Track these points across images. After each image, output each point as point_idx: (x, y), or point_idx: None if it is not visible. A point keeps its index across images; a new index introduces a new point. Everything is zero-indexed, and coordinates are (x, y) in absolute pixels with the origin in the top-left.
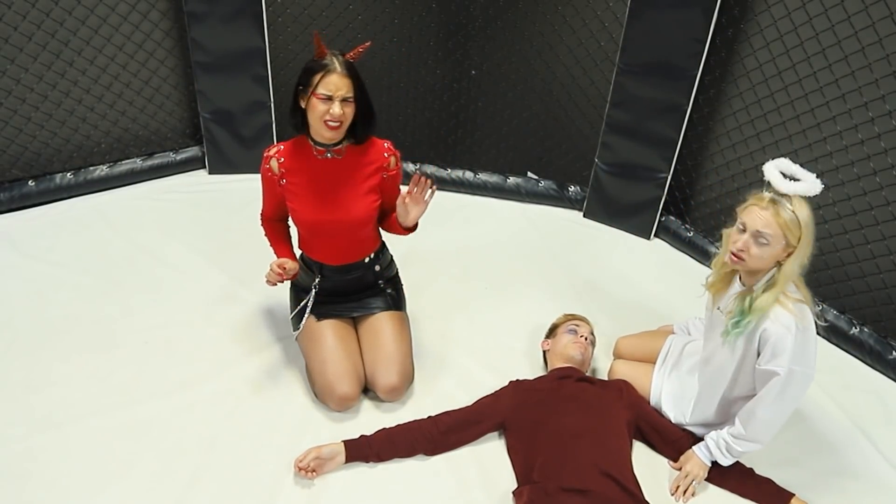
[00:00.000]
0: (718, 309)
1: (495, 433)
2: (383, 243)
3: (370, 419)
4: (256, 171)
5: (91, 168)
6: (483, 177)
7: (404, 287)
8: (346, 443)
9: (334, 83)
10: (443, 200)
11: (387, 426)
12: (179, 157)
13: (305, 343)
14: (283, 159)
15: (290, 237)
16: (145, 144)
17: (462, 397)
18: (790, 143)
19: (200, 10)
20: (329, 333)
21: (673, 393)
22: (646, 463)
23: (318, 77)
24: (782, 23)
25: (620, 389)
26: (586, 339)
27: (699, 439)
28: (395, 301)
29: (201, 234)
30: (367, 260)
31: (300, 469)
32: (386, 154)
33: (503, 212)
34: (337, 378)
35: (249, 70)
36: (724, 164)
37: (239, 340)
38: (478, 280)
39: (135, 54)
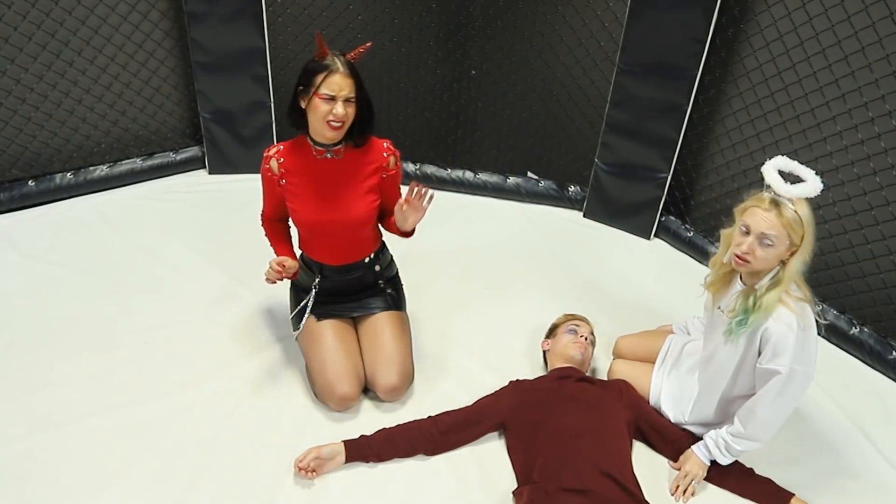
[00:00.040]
0: (719, 308)
1: (495, 433)
2: (383, 243)
3: (370, 419)
4: (256, 171)
5: (91, 168)
6: (483, 177)
7: (404, 287)
8: (346, 443)
9: (337, 83)
10: (443, 200)
11: (387, 426)
12: (179, 157)
13: (305, 343)
14: (282, 159)
15: (290, 237)
16: (145, 144)
17: (462, 397)
18: (790, 143)
19: (200, 10)
20: (329, 333)
21: (672, 392)
22: (646, 463)
23: (321, 77)
24: (782, 23)
25: (620, 389)
26: (586, 339)
27: (699, 439)
28: (395, 301)
29: (201, 234)
30: (367, 260)
31: (300, 469)
32: (385, 154)
33: (503, 212)
34: (337, 378)
35: (249, 70)
36: (724, 164)
37: (239, 340)
38: (478, 280)
39: (135, 54)
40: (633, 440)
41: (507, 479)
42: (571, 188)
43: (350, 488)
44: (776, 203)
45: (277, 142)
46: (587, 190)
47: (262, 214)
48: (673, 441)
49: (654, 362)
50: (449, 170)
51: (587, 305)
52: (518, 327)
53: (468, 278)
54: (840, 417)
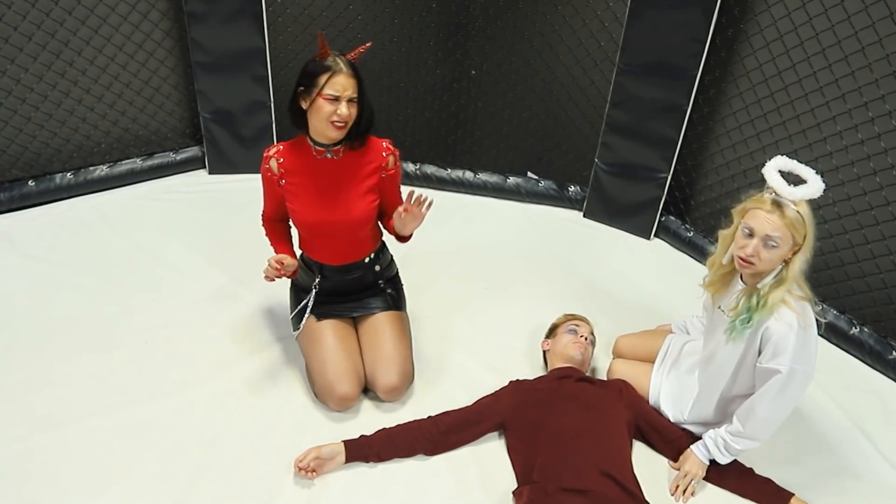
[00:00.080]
0: (720, 308)
1: (495, 433)
2: (383, 243)
3: (370, 419)
4: (256, 171)
5: (91, 168)
6: (483, 177)
7: (404, 287)
8: (346, 443)
9: (341, 84)
10: (443, 200)
11: (387, 426)
12: (179, 157)
13: (305, 343)
14: (282, 159)
15: (290, 237)
16: (145, 144)
17: (462, 397)
18: (790, 143)
19: (200, 10)
20: (329, 333)
21: (672, 392)
22: (646, 463)
23: (324, 78)
24: (782, 23)
25: (620, 389)
26: (586, 339)
27: (698, 439)
28: (395, 301)
29: (201, 234)
30: (367, 260)
31: (300, 469)
32: (384, 153)
33: (503, 212)
34: (337, 378)
35: (249, 70)
36: (724, 164)
37: (239, 340)
38: (478, 280)
39: (135, 54)
40: (633, 440)
41: (507, 479)
42: (571, 188)
43: (350, 488)
44: (778, 204)
45: (277, 142)
46: (587, 190)
47: (262, 214)
48: (672, 441)
49: (653, 362)
50: (449, 170)
51: (587, 305)
52: (518, 327)
53: (468, 278)
54: (840, 417)
